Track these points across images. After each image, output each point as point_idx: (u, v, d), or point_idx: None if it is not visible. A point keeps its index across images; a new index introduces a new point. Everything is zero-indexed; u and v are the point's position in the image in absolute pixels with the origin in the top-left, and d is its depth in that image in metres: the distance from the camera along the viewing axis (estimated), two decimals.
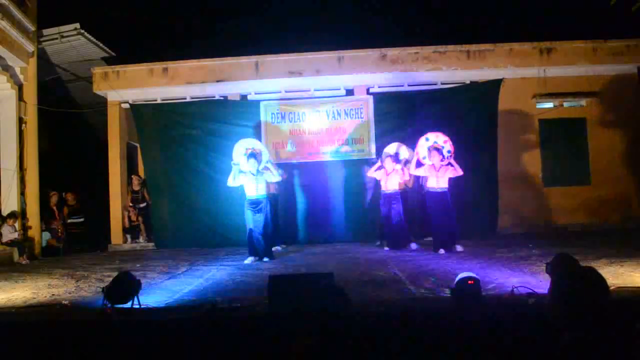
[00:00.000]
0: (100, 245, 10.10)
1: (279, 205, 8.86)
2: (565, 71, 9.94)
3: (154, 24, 13.38)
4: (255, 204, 7.14)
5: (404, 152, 8.25)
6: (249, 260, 7.03)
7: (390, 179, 7.78)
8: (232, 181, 7.20)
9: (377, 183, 8.44)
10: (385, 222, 7.93)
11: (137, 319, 3.83)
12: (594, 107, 9.97)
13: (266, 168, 7.40)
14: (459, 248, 7.15)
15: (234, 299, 4.34)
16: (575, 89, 9.93)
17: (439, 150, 7.32)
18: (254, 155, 7.27)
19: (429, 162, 7.35)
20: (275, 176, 7.49)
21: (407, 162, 8.08)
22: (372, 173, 8.08)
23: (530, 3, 12.93)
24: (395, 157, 7.97)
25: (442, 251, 7.11)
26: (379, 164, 8.03)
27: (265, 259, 7.09)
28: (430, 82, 10.00)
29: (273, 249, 8.14)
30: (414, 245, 7.75)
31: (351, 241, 9.23)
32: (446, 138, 7.54)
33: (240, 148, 7.50)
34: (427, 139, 7.54)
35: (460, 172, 7.29)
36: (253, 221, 7.12)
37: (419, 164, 7.48)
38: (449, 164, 7.30)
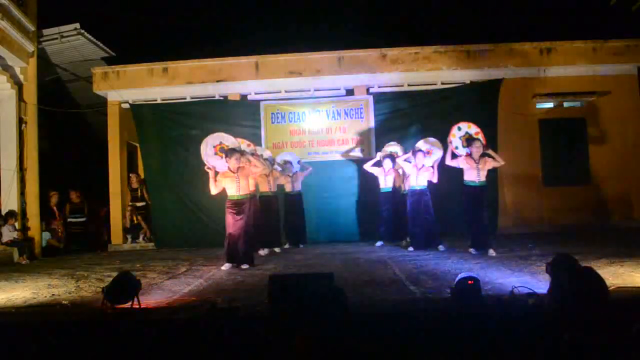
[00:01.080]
0: (100, 245, 10.12)
1: (302, 204, 8.83)
2: (565, 71, 9.94)
3: (154, 24, 13.39)
4: (236, 206, 6.39)
5: (434, 144, 7.80)
6: (226, 266, 6.34)
7: (420, 174, 7.44)
8: (213, 188, 6.39)
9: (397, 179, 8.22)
10: (412, 221, 7.49)
11: (137, 319, 3.84)
12: (594, 107, 9.96)
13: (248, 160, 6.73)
14: (473, 251, 6.84)
15: (234, 299, 4.33)
16: (575, 89, 9.92)
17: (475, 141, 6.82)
18: (232, 150, 6.50)
19: (463, 153, 6.89)
20: (257, 167, 6.87)
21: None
22: (401, 162, 7.71)
23: (530, 3, 12.93)
24: (426, 153, 7.57)
25: (473, 251, 6.85)
26: (409, 154, 7.65)
27: (244, 266, 6.32)
28: (430, 82, 9.99)
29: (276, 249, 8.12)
30: (442, 247, 7.34)
31: (351, 241, 9.24)
32: (478, 130, 7.08)
33: (209, 149, 6.66)
34: (459, 128, 7.08)
35: (502, 162, 6.84)
36: (233, 225, 6.36)
37: (454, 156, 7.00)
38: (485, 154, 6.82)
